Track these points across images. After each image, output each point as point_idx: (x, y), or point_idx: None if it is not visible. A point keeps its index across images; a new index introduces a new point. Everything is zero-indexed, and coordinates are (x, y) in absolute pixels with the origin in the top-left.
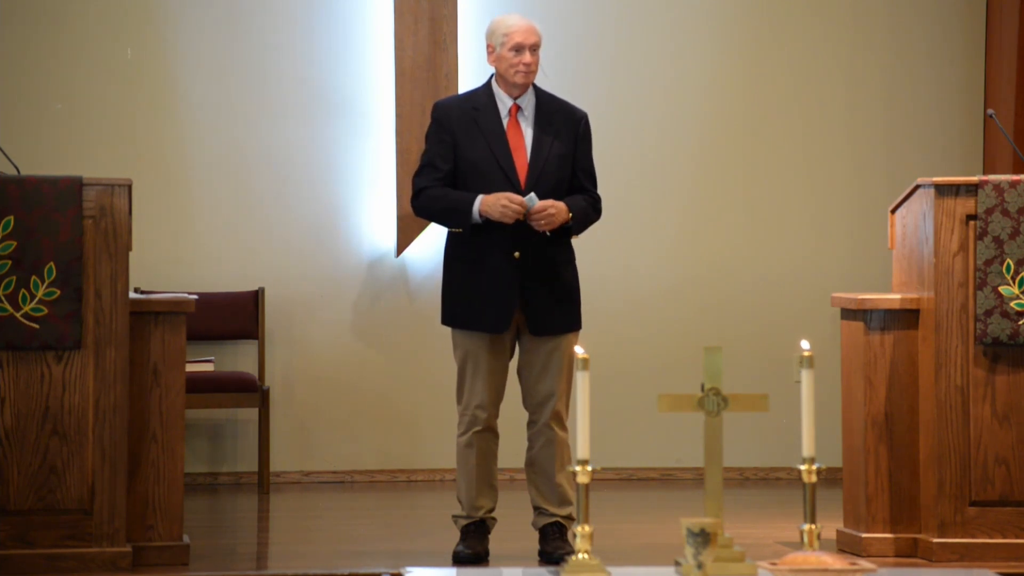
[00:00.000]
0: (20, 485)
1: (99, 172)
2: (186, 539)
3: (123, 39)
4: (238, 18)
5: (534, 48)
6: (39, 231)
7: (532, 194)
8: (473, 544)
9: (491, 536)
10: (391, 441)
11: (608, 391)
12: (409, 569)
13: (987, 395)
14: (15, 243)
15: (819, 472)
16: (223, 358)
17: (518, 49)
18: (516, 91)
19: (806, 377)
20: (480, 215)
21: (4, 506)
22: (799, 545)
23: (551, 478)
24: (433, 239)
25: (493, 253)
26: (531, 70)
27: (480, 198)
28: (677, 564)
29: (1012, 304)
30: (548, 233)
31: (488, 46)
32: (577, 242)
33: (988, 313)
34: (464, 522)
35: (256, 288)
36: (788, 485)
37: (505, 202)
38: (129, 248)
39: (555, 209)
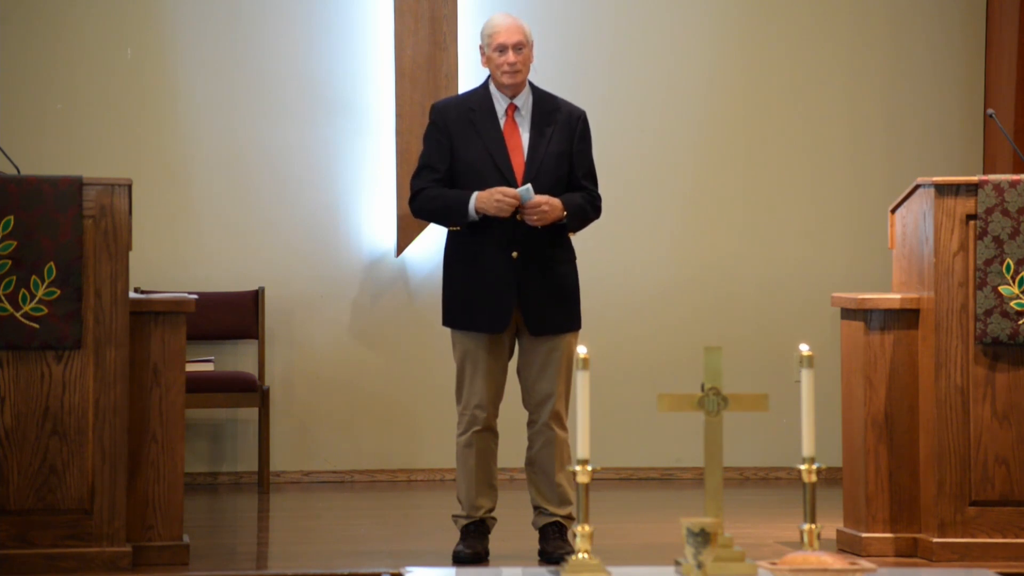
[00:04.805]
0: (20, 485)
1: (99, 172)
2: (186, 539)
3: (123, 39)
4: (238, 18)
5: (517, 47)
6: (39, 231)
7: (528, 186)
8: (473, 544)
9: (491, 536)
10: (391, 441)
11: (608, 391)
12: (409, 569)
13: (987, 395)
14: (15, 243)
15: (819, 472)
16: (223, 358)
17: (501, 49)
18: (511, 91)
19: (806, 377)
20: (476, 212)
21: (4, 506)
22: (799, 545)
23: (551, 478)
24: (433, 239)
25: (491, 253)
26: (516, 69)
27: (475, 195)
28: (677, 564)
29: (1012, 304)
30: (539, 228)
31: (480, 48)
32: (577, 242)
33: (988, 313)
34: (464, 522)
35: (256, 288)
36: (788, 485)
37: (499, 196)
38: (129, 248)
39: (549, 206)
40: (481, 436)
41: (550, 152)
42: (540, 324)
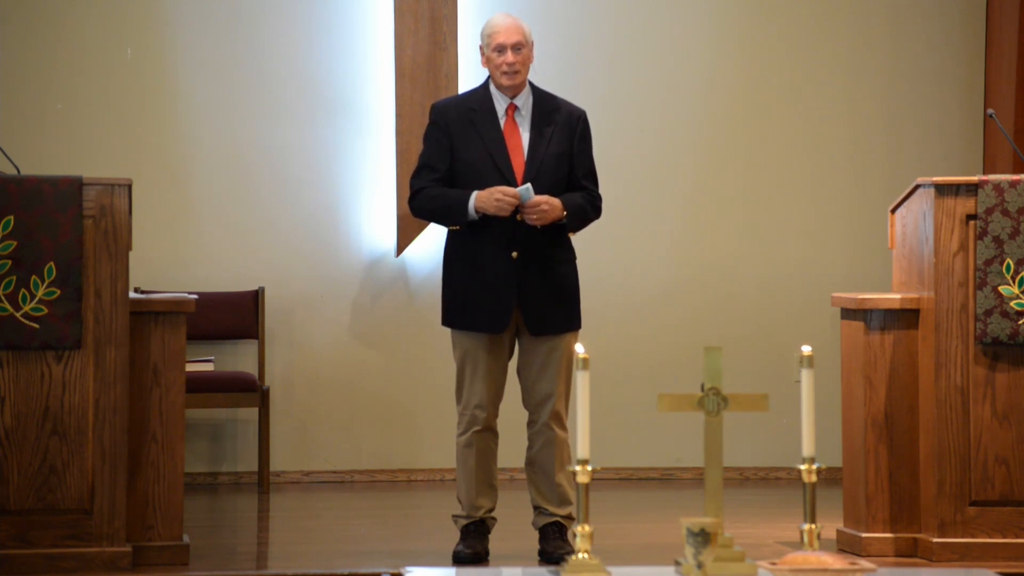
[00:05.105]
0: (20, 485)
1: (99, 172)
2: (186, 539)
3: (123, 39)
4: (238, 18)
5: (516, 47)
6: (39, 231)
7: (528, 185)
8: (473, 544)
9: (491, 536)
10: (391, 441)
11: (608, 391)
12: (409, 569)
13: (987, 395)
14: (15, 243)
15: (819, 472)
16: (223, 358)
17: (500, 49)
18: (510, 91)
19: (806, 377)
20: (476, 211)
21: (4, 506)
22: (799, 545)
23: (551, 478)
24: (433, 239)
25: (491, 253)
26: (514, 70)
27: (475, 194)
28: (677, 564)
29: (1012, 304)
30: (539, 228)
31: (480, 48)
32: (577, 242)
33: (988, 313)
34: (464, 522)
35: (256, 288)
36: (788, 485)
37: (499, 195)
38: (129, 248)
39: (548, 205)
40: (481, 436)
41: (550, 152)
42: (540, 324)
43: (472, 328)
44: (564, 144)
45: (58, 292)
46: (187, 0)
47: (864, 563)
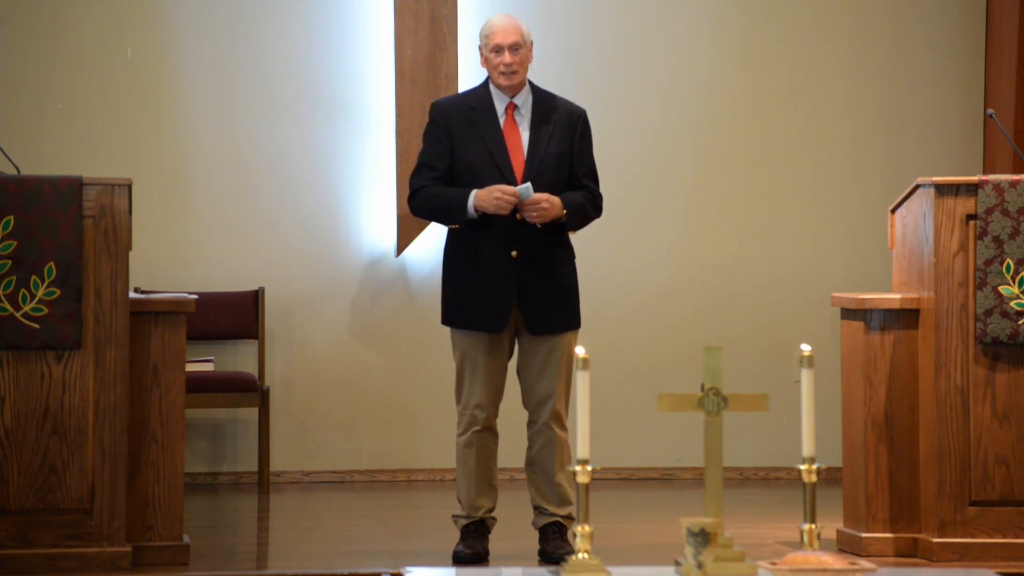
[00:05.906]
0: (20, 485)
1: (99, 172)
2: (186, 539)
3: (123, 39)
4: (238, 18)
5: (513, 48)
6: (39, 231)
7: (528, 184)
8: (473, 544)
9: (491, 536)
10: (391, 441)
11: (608, 391)
12: (409, 569)
13: (987, 395)
14: (15, 243)
15: (819, 472)
16: (223, 358)
17: (497, 50)
18: (509, 91)
19: (806, 377)
20: (475, 210)
21: (4, 506)
22: (799, 545)
23: (551, 478)
24: (433, 239)
25: (490, 252)
26: (512, 70)
27: (474, 192)
28: (677, 564)
29: (1012, 304)
30: (539, 226)
31: (479, 48)
32: (577, 241)
33: (988, 313)
34: (464, 522)
35: (256, 288)
36: (788, 485)
37: (498, 194)
38: (129, 248)
39: (548, 203)
40: (481, 436)
41: (550, 152)
42: (539, 323)
43: (472, 327)
44: (564, 143)
45: (58, 292)
46: (187, 0)
47: (864, 563)
